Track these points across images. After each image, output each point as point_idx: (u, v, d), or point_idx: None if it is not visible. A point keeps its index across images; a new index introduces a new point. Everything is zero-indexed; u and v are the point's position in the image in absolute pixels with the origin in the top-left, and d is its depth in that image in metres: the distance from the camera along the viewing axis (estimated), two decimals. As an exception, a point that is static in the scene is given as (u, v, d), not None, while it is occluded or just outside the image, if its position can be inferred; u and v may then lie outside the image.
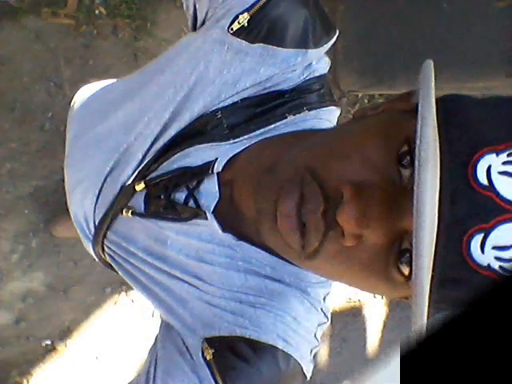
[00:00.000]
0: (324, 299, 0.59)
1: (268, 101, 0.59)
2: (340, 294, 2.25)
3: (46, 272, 1.74)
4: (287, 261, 0.55)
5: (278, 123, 0.58)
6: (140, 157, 0.63)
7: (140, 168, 0.63)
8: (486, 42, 1.47)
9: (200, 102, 0.59)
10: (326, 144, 0.45)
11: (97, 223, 0.68)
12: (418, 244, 0.33)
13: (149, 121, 0.62)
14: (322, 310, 0.58)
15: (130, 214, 0.63)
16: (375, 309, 2.36)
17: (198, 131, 0.60)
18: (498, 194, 0.34)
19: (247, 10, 0.55)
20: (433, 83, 0.37)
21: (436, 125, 0.36)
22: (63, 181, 0.79)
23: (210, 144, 0.59)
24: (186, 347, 0.55)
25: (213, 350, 0.53)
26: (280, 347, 0.53)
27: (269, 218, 0.43)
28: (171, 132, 0.61)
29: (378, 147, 0.40)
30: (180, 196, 0.59)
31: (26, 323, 1.75)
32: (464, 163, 0.35)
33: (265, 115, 0.58)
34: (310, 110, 0.59)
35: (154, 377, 0.55)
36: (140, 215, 0.62)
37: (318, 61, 0.60)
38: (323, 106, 0.60)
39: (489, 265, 0.35)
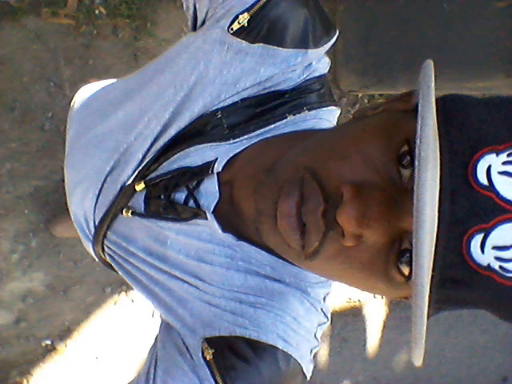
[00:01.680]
0: (324, 299, 0.59)
1: (268, 101, 0.59)
2: (340, 294, 2.25)
3: (46, 272, 1.74)
4: (287, 261, 0.54)
5: (277, 123, 0.58)
6: (140, 157, 0.63)
7: (140, 168, 0.63)
8: (485, 42, 1.47)
9: (200, 101, 0.59)
10: (326, 144, 0.45)
11: (97, 223, 0.68)
12: (418, 244, 0.33)
13: (149, 121, 0.62)
14: (321, 309, 0.58)
15: (130, 214, 0.63)
16: (375, 309, 2.36)
17: (197, 131, 0.60)
18: (497, 193, 0.34)
19: (247, 9, 0.55)
20: (433, 83, 0.37)
21: (436, 125, 0.36)
22: (63, 181, 0.79)
23: (209, 144, 0.59)
24: (186, 347, 0.55)
25: (213, 350, 0.53)
26: (280, 347, 0.53)
27: (269, 218, 0.43)
28: (171, 132, 0.61)
29: (378, 147, 0.40)
30: (180, 196, 0.59)
31: (26, 323, 1.75)
32: (464, 163, 0.35)
33: (265, 115, 0.58)
34: (309, 109, 0.59)
35: (154, 376, 0.55)
36: (140, 215, 0.62)
37: (318, 61, 0.60)
38: (323, 106, 0.60)
39: (489, 265, 0.35)
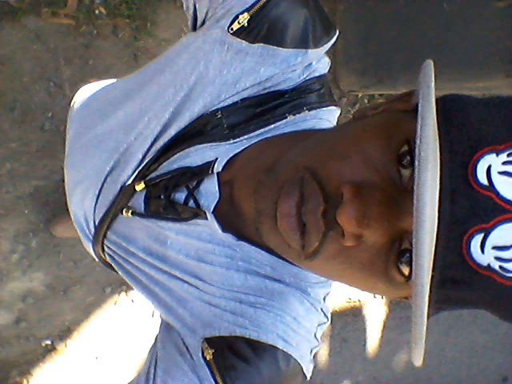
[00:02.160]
0: (324, 299, 0.59)
1: (268, 101, 0.59)
2: (340, 294, 2.25)
3: (46, 272, 1.74)
4: (287, 261, 0.54)
5: (277, 123, 0.58)
6: (140, 157, 0.63)
7: (140, 168, 0.63)
8: (485, 42, 1.47)
9: (200, 101, 0.59)
10: (326, 144, 0.45)
11: (97, 223, 0.68)
12: (418, 244, 0.33)
13: (149, 121, 0.62)
14: (321, 309, 0.58)
15: (130, 214, 0.63)
16: (375, 309, 2.36)
17: (197, 131, 0.60)
18: (497, 193, 0.34)
19: (247, 9, 0.55)
20: (433, 83, 0.37)
21: (436, 125, 0.36)
22: (63, 181, 0.79)
23: (209, 144, 0.59)
24: (186, 347, 0.55)
25: (213, 350, 0.53)
26: (280, 347, 0.53)
27: (269, 218, 0.43)
28: (171, 132, 0.61)
29: (378, 147, 0.40)
30: (180, 196, 0.59)
31: (26, 323, 1.75)
32: (464, 163, 0.35)
33: (265, 115, 0.58)
34: (309, 109, 0.59)
35: (154, 376, 0.55)
36: (140, 215, 0.62)
37: (318, 61, 0.60)
38: (323, 106, 0.60)
39: (489, 265, 0.35)
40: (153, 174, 0.62)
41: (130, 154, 0.64)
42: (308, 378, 0.56)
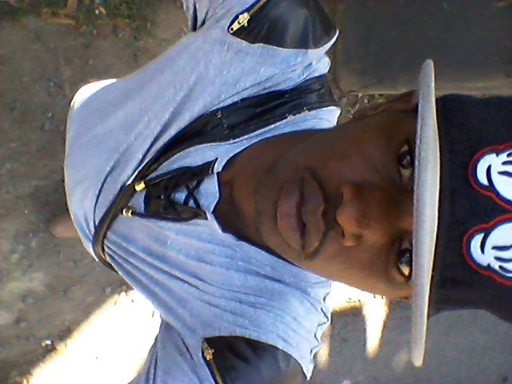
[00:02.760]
0: (324, 299, 0.59)
1: (268, 101, 0.59)
2: (340, 294, 2.25)
3: (46, 272, 1.74)
4: (287, 261, 0.55)
5: (277, 123, 0.58)
6: (140, 157, 0.63)
7: (140, 168, 0.63)
8: (485, 42, 1.47)
9: (200, 101, 0.59)
10: (326, 144, 0.45)
11: (97, 223, 0.68)
12: (418, 244, 0.33)
13: (149, 121, 0.62)
14: (321, 309, 0.58)
15: (130, 214, 0.63)
16: (375, 309, 2.36)
17: (197, 131, 0.60)
18: (497, 193, 0.34)
19: (247, 9, 0.55)
20: (433, 83, 0.37)
21: (436, 125, 0.36)
22: (63, 181, 0.79)
23: (209, 144, 0.59)
24: (186, 347, 0.55)
25: (213, 350, 0.53)
26: (280, 347, 0.53)
27: (269, 218, 0.43)
28: (171, 132, 0.61)
29: (378, 147, 0.40)
30: (180, 196, 0.59)
31: (26, 323, 1.75)
32: (464, 163, 0.35)
33: (265, 115, 0.58)
34: (309, 109, 0.59)
35: (154, 376, 0.55)
36: (140, 215, 0.62)
37: (318, 61, 0.60)
38: (323, 106, 0.60)
39: (489, 265, 0.35)
40: (153, 174, 0.62)
41: (130, 154, 0.64)
42: (308, 378, 0.56)
